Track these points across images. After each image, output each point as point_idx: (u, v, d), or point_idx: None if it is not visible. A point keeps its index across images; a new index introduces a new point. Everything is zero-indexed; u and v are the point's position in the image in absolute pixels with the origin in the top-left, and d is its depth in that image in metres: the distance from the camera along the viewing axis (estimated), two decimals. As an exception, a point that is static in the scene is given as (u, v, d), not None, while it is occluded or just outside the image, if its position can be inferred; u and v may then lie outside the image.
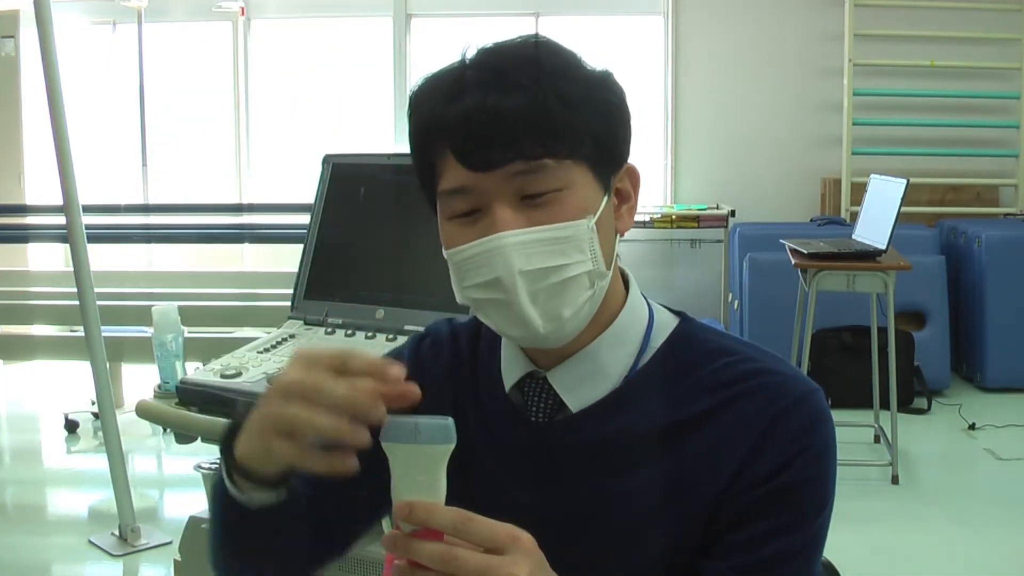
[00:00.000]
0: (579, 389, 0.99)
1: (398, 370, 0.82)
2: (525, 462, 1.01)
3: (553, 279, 0.92)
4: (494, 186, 0.91)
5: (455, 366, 1.09)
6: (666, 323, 1.03)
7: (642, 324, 1.01)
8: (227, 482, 0.90)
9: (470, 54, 0.94)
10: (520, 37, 0.95)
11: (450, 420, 0.82)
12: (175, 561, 2.20)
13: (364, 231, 2.04)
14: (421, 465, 0.82)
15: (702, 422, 0.96)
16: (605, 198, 0.96)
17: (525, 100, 0.90)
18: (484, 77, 0.91)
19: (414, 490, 0.82)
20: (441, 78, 0.94)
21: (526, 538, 0.82)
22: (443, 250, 0.96)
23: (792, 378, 0.97)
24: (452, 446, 0.82)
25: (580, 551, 0.97)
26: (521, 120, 0.89)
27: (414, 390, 0.83)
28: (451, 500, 0.82)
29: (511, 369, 1.03)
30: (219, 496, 0.93)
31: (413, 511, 0.79)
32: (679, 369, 0.99)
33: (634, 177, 1.01)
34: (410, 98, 0.97)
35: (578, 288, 0.93)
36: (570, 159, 0.92)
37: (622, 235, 1.01)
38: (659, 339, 1.01)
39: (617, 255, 1.00)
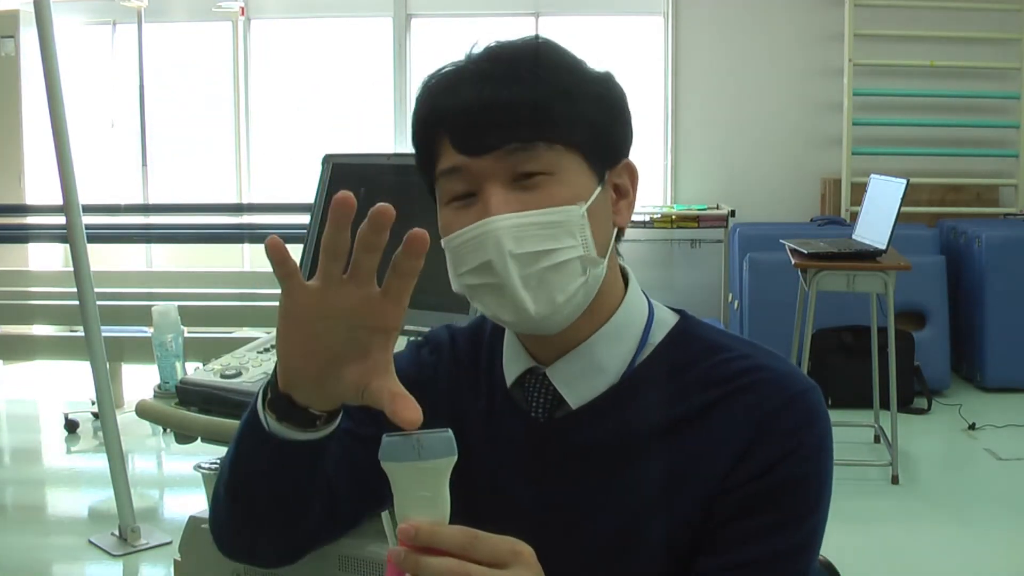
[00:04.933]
0: (577, 385, 1.00)
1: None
2: (525, 459, 1.02)
3: (544, 263, 0.93)
4: (487, 168, 0.94)
5: (456, 368, 1.10)
6: (666, 320, 1.04)
7: (641, 320, 1.02)
8: (267, 418, 0.92)
9: (475, 51, 0.97)
10: (525, 37, 0.98)
11: (450, 432, 0.81)
12: (175, 561, 2.19)
13: (364, 231, 2.04)
14: (424, 481, 0.80)
15: (699, 418, 0.97)
16: (599, 189, 0.97)
17: (522, 91, 0.93)
18: (484, 71, 0.94)
19: (419, 506, 0.80)
20: (444, 73, 0.97)
21: (527, 551, 0.83)
22: (441, 240, 0.98)
23: (787, 375, 0.98)
24: (454, 459, 0.81)
25: (580, 547, 0.98)
26: (516, 107, 0.92)
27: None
28: (452, 499, 0.82)
29: (512, 365, 1.04)
30: (248, 434, 0.94)
31: (419, 534, 0.79)
32: (677, 366, 1.00)
33: (632, 174, 1.03)
34: (417, 95, 1.00)
35: (570, 273, 0.94)
36: (562, 144, 0.94)
37: (621, 230, 1.02)
38: (658, 336, 1.02)
39: (616, 250, 1.01)
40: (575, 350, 1.00)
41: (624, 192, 1.02)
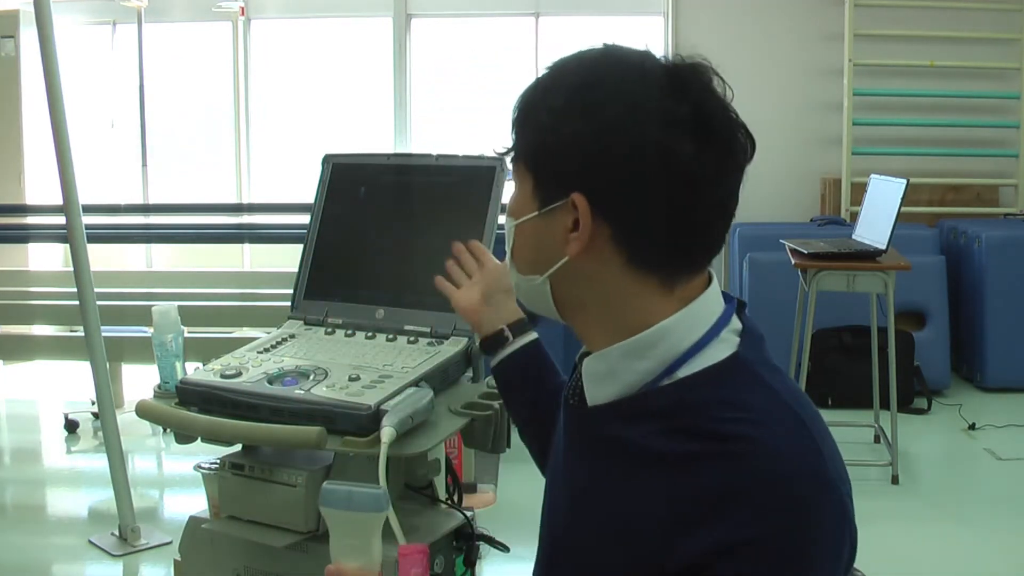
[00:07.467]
0: (595, 384, 1.02)
1: None
2: (564, 438, 1.09)
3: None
4: None
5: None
6: (712, 358, 0.97)
7: (677, 349, 0.97)
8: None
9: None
10: (575, 53, 1.03)
11: (384, 490, 0.87)
12: (175, 561, 2.19)
13: (364, 231, 2.04)
14: (354, 530, 0.87)
15: (680, 463, 0.91)
16: (535, 213, 1.00)
17: (520, 102, 1.02)
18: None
19: (348, 552, 0.87)
20: None
21: None
22: None
23: (779, 456, 0.90)
24: (383, 515, 0.87)
25: (570, 538, 1.03)
26: (513, 117, 1.03)
27: None
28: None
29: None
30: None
31: None
32: (686, 405, 0.95)
33: (583, 214, 0.96)
34: None
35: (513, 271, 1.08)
36: (520, 161, 1.02)
37: (571, 259, 0.98)
38: (689, 371, 0.96)
39: (666, 282, 0.98)
40: (599, 352, 1.01)
41: (575, 226, 0.97)
